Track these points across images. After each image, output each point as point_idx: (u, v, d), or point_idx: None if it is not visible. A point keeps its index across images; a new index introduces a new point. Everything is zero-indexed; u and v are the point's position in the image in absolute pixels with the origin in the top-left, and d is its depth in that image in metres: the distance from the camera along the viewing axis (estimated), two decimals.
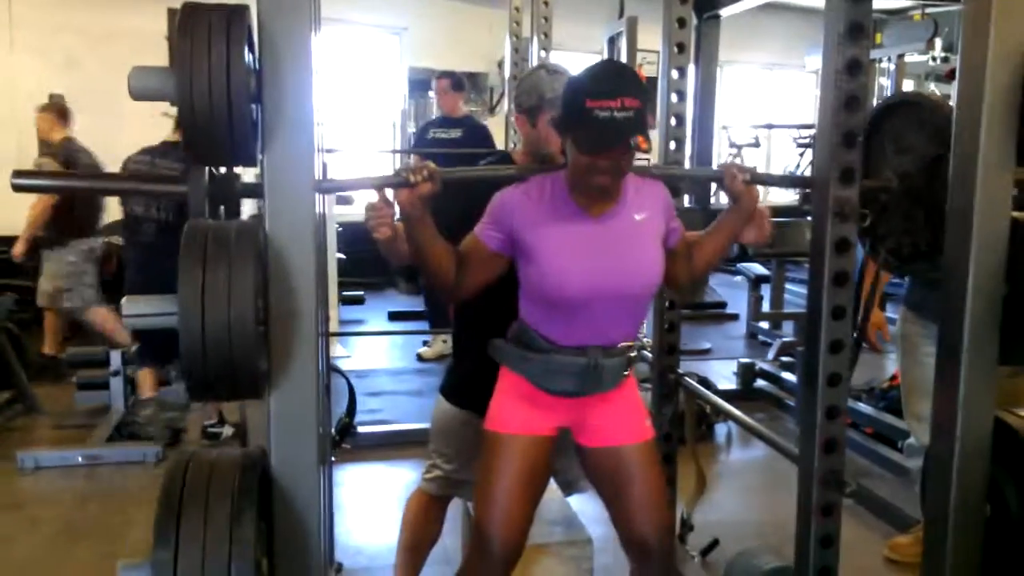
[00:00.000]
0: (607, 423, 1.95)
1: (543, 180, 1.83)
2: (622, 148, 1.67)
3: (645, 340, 5.44)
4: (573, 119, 1.68)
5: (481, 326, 2.03)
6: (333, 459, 2.79)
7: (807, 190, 2.13)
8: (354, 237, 6.32)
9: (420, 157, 1.63)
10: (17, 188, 1.55)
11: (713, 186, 9.01)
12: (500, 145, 5.28)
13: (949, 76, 6.85)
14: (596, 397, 1.92)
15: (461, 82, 5.60)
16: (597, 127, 1.63)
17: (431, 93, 5.81)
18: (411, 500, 2.43)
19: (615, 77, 1.68)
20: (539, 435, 1.91)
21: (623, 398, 1.97)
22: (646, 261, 1.83)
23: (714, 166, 9.32)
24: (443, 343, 5.54)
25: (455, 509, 2.49)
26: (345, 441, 3.61)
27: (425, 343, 5.79)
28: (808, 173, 2.04)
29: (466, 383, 2.20)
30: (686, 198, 3.14)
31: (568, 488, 2.42)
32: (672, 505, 2.87)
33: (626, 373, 1.94)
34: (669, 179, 2.06)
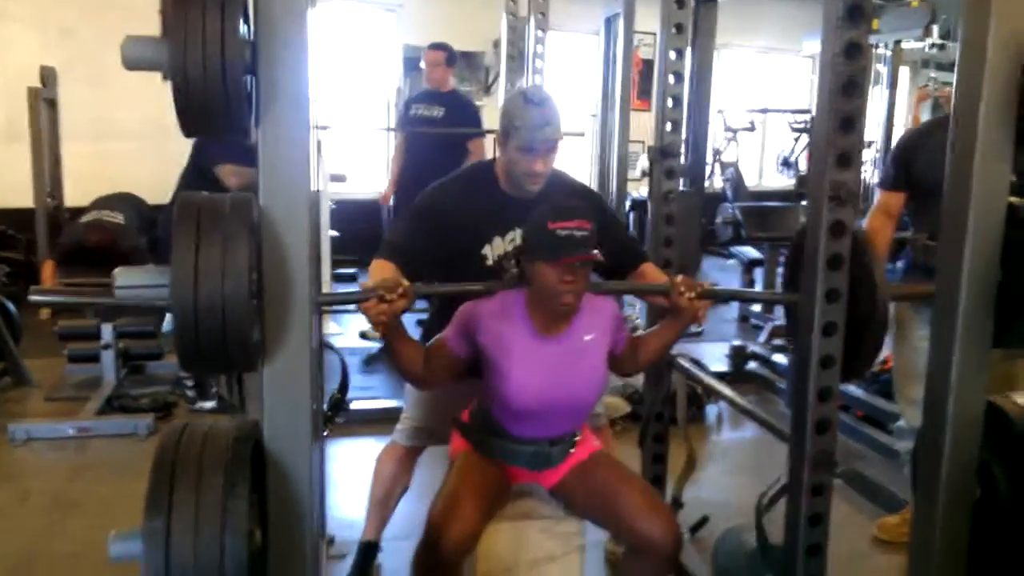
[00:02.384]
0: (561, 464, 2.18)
1: (507, 298, 2.05)
2: (584, 256, 1.90)
3: (638, 323, 5.48)
4: (537, 240, 1.93)
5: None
6: (326, 433, 2.80)
7: (802, 175, 2.14)
8: (348, 215, 6.30)
9: (398, 273, 1.81)
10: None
11: (707, 169, 8.96)
12: (488, 124, 5.24)
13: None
14: (548, 472, 2.17)
15: (454, 56, 5.41)
16: (559, 242, 1.89)
17: (422, 64, 5.37)
18: (382, 453, 2.65)
19: (570, 206, 1.96)
20: (500, 469, 2.15)
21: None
22: (593, 378, 2.10)
23: (709, 150, 9.27)
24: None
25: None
26: (338, 416, 3.62)
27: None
28: (803, 157, 2.05)
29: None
30: (681, 181, 3.13)
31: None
32: (662, 483, 2.89)
33: (572, 451, 2.18)
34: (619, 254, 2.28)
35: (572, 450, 2.18)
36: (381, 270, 2.18)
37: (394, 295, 1.84)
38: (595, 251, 1.92)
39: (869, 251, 1.90)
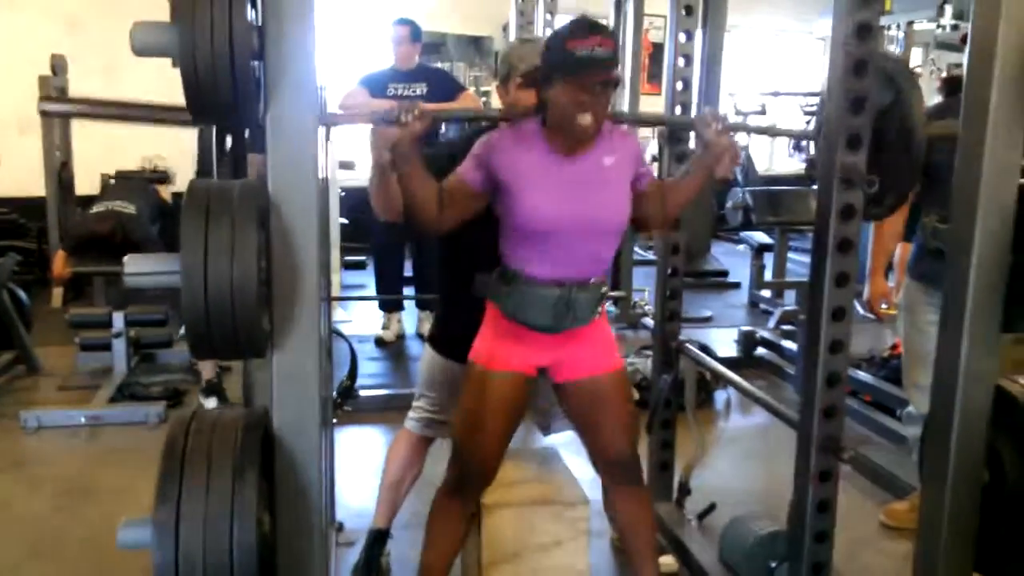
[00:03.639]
0: (581, 358, 2.10)
1: (523, 126, 1.98)
2: (604, 76, 1.83)
3: (648, 308, 5.46)
4: (556, 61, 1.85)
5: (465, 280, 2.19)
6: (335, 421, 2.81)
7: (812, 158, 2.13)
8: (356, 202, 6.30)
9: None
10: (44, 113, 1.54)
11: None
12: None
13: (963, 42, 6.77)
14: (570, 335, 2.05)
15: (419, 32, 5.12)
16: (580, 61, 1.81)
17: (392, 40, 4.98)
18: (395, 440, 2.64)
19: (590, 24, 1.87)
20: (519, 372, 2.07)
21: (595, 334, 2.12)
22: (612, 200, 2.00)
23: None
24: (398, 323, 5.44)
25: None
26: (346, 404, 3.63)
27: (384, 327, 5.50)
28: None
29: (453, 337, 2.32)
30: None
31: (546, 429, 2.60)
32: (671, 469, 2.89)
33: (599, 310, 2.09)
34: (643, 122, 2.16)
35: (599, 308, 2.08)
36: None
37: (409, 116, 1.76)
38: (616, 71, 1.84)
39: (910, 74, 1.92)
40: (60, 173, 6.11)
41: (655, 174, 2.09)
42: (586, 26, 1.84)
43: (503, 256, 2.04)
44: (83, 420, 3.94)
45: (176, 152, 6.62)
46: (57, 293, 5.92)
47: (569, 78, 1.82)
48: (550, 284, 1.98)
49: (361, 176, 5.45)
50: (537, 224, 1.95)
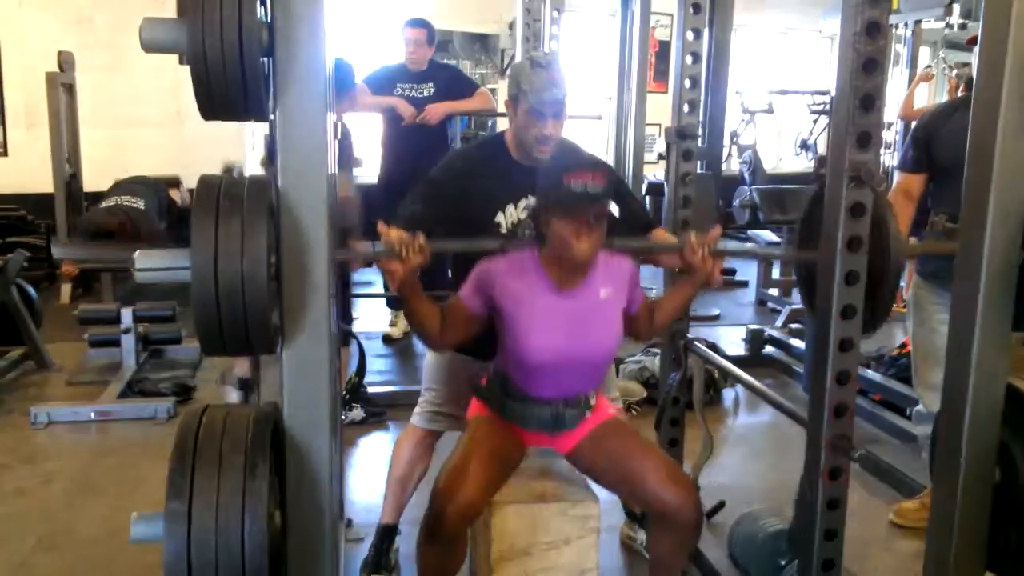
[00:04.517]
0: (578, 428, 2.20)
1: (522, 256, 2.07)
2: (597, 210, 1.92)
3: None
4: (553, 195, 1.93)
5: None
6: (343, 418, 2.82)
7: (821, 156, 2.13)
8: (364, 199, 6.30)
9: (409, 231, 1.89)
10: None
11: (725, 151, 8.89)
12: (501, 107, 5.15)
13: (971, 43, 6.76)
14: (565, 436, 2.19)
15: (434, 35, 4.99)
16: (574, 196, 1.89)
17: (406, 41, 4.83)
18: (401, 436, 2.66)
19: (585, 160, 1.99)
20: (517, 436, 2.19)
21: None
22: (607, 335, 2.11)
23: (727, 132, 9.19)
24: (405, 320, 5.43)
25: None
26: (355, 401, 3.64)
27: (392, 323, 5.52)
28: (822, 139, 2.02)
29: None
30: (699, 164, 3.11)
31: None
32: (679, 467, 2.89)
33: (588, 414, 2.19)
34: (635, 251, 2.33)
35: (588, 414, 2.19)
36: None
37: (410, 251, 1.85)
38: (609, 204, 1.95)
39: (887, 206, 1.90)
40: (69, 170, 6.11)
41: (644, 295, 2.21)
42: (581, 163, 1.95)
43: (501, 365, 2.17)
44: (92, 416, 3.96)
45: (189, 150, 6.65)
46: (66, 289, 5.94)
47: (565, 211, 1.92)
48: (542, 402, 2.13)
49: (368, 174, 5.47)
50: (533, 358, 2.06)
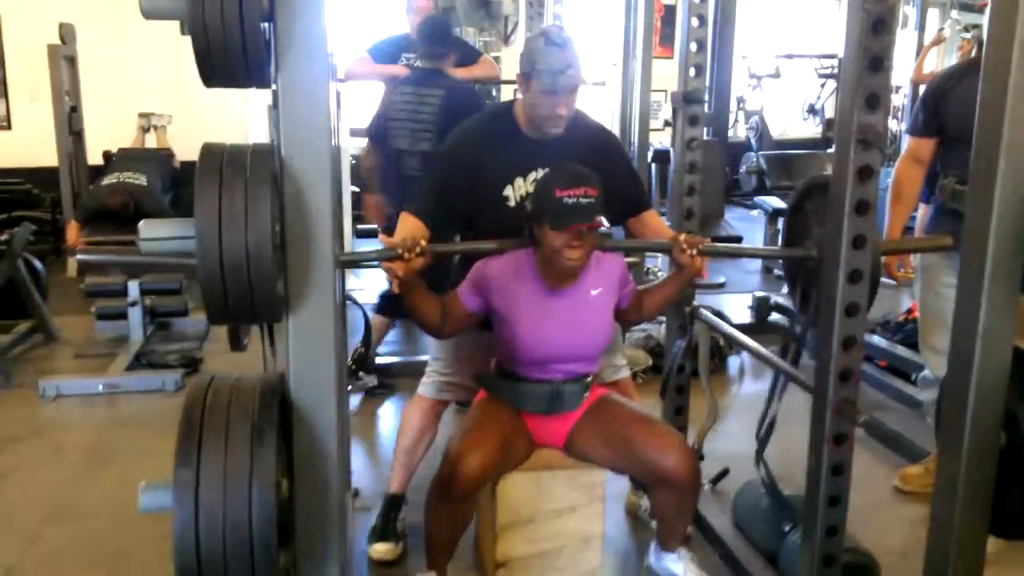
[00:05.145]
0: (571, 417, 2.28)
1: (518, 256, 2.16)
2: (587, 224, 2.00)
3: (661, 274, 5.43)
4: (545, 206, 2.02)
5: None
6: (349, 388, 2.83)
7: (829, 119, 2.11)
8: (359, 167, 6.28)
9: (420, 232, 1.94)
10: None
11: (731, 117, 8.78)
12: (507, 75, 5.07)
13: (982, 6, 6.66)
14: (561, 418, 2.26)
15: (438, 5, 4.85)
16: (566, 210, 1.99)
17: (414, 10, 4.59)
18: (409, 406, 2.68)
19: (578, 173, 2.03)
20: (522, 426, 2.25)
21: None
22: (598, 330, 2.22)
23: (733, 97, 9.07)
24: None
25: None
26: (361, 371, 3.65)
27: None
28: (829, 103, 1.99)
29: None
30: (705, 130, 3.09)
31: None
32: (684, 435, 2.90)
33: (586, 395, 2.28)
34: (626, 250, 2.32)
35: (586, 393, 2.27)
36: (404, 226, 2.30)
37: (412, 254, 1.92)
38: (600, 218, 2.02)
39: None
40: (73, 142, 6.10)
41: (635, 286, 2.30)
42: (575, 175, 2.02)
43: (499, 356, 2.27)
44: (101, 388, 3.98)
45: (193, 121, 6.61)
46: (72, 262, 5.96)
47: (556, 224, 2.00)
48: (542, 383, 2.22)
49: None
50: (528, 355, 2.18)
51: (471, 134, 2.43)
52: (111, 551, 2.67)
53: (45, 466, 3.29)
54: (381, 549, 2.61)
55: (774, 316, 5.06)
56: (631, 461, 2.21)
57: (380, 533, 2.62)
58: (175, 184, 6.27)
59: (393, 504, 2.66)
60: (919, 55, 6.36)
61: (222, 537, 1.30)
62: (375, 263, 1.98)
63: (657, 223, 2.54)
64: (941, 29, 7.12)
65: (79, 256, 4.37)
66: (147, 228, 1.45)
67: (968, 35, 6.82)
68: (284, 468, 1.49)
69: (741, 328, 2.89)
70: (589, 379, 2.29)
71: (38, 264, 4.87)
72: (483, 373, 2.35)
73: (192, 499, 1.30)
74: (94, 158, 6.38)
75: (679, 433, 2.41)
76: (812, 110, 9.33)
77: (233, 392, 1.41)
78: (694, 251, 2.11)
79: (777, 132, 9.33)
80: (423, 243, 1.93)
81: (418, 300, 2.12)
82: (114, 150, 6.53)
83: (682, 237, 2.14)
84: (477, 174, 2.34)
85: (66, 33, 5.96)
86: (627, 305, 2.30)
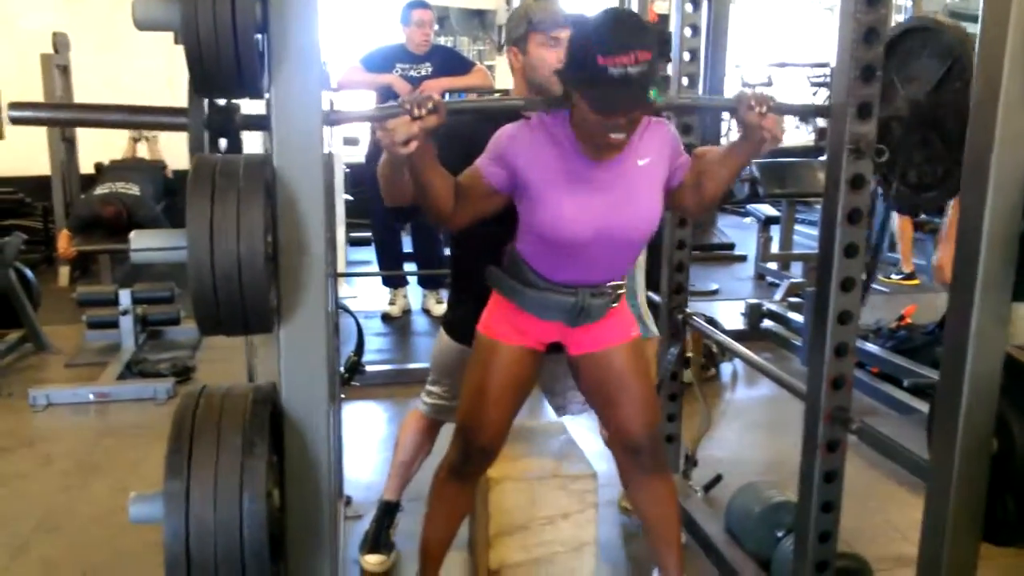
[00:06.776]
0: (595, 332, 2.03)
1: (548, 120, 1.82)
2: (637, 108, 1.67)
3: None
4: (585, 77, 1.63)
5: (478, 269, 2.08)
6: (342, 396, 2.82)
7: (822, 128, 2.11)
8: (362, 179, 6.29)
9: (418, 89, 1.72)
10: (15, 121, 1.54)
11: (724, 125, 8.84)
12: (500, 85, 5.12)
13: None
14: (582, 328, 2.02)
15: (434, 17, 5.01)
16: (612, 86, 1.60)
17: (415, 22, 4.76)
18: (407, 421, 2.61)
19: (626, 30, 1.62)
20: (528, 347, 2.01)
21: (609, 311, 2.03)
22: (644, 209, 1.86)
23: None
24: (404, 298, 5.43)
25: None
26: (353, 379, 3.63)
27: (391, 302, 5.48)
28: None
29: (465, 322, 2.22)
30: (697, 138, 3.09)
31: (561, 410, 2.56)
32: (677, 442, 2.90)
33: (614, 305, 2.01)
34: (679, 110, 2.06)
35: (615, 304, 2.01)
36: None
37: (423, 110, 1.60)
38: (653, 93, 1.64)
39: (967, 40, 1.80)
40: (65, 151, 6.09)
41: (688, 161, 1.93)
42: (622, 33, 1.60)
43: (518, 248, 1.94)
44: (92, 397, 3.96)
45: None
46: (64, 272, 5.94)
47: (595, 100, 1.65)
48: (564, 290, 1.92)
49: (363, 152, 5.44)
50: (559, 234, 1.83)
51: (466, 117, 2.14)
52: (101, 561, 2.66)
53: (35, 475, 3.28)
54: (373, 560, 2.60)
55: (766, 323, 5.08)
56: (606, 413, 2.11)
57: (373, 542, 2.62)
58: (168, 194, 6.26)
59: (388, 511, 2.65)
60: None
61: (213, 548, 1.29)
62: (368, 120, 1.66)
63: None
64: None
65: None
66: (138, 239, 1.45)
67: None
68: (275, 478, 1.49)
69: (733, 335, 2.90)
70: (621, 289, 2.00)
71: (29, 273, 4.86)
72: (495, 271, 2.01)
73: (182, 510, 1.29)
74: (86, 168, 6.36)
75: (656, 405, 2.19)
76: (804, 118, 9.36)
77: (224, 402, 1.40)
78: (763, 108, 1.74)
79: None
80: (436, 97, 1.61)
81: (431, 175, 1.74)
82: (106, 161, 6.52)
83: (748, 92, 1.79)
84: (476, 153, 1.95)
85: (59, 42, 5.96)
86: (683, 181, 1.91)
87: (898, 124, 1.94)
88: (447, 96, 5.08)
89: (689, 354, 2.98)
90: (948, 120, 1.73)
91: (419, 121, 1.61)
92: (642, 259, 2.78)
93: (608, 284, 1.96)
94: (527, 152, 1.80)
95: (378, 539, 2.62)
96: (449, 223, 1.87)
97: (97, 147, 6.52)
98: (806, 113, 4.78)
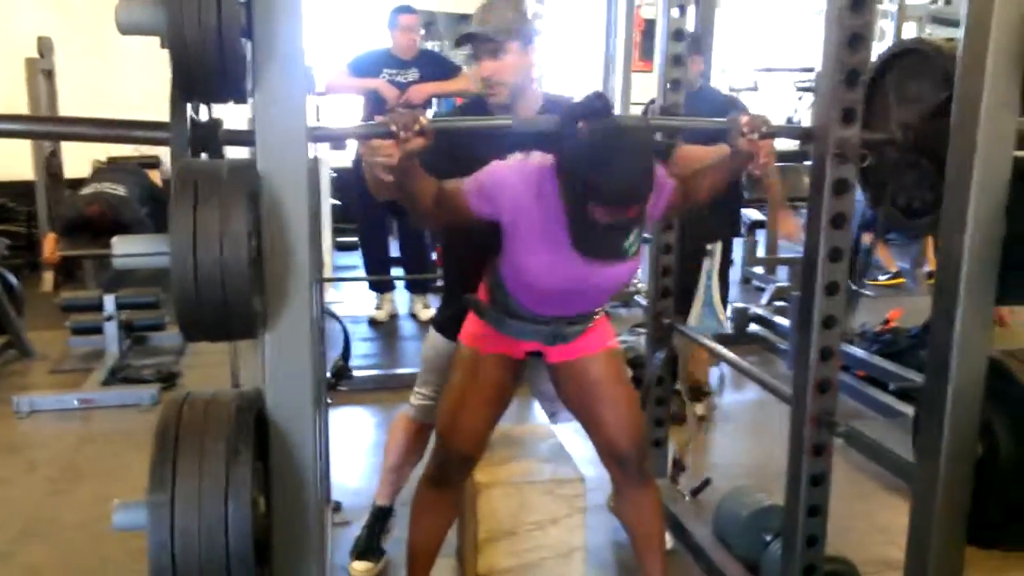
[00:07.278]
0: (572, 343, 2.07)
1: (537, 165, 1.82)
2: (616, 256, 1.77)
3: (640, 286, 5.46)
4: (575, 213, 1.69)
5: (468, 269, 2.13)
6: (329, 401, 2.81)
7: (804, 157, 2.12)
8: (348, 183, 6.27)
9: (408, 105, 1.68)
10: None
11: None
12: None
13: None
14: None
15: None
16: (600, 232, 1.67)
17: (402, 27, 4.77)
18: (396, 425, 2.59)
19: (632, 171, 1.64)
20: (508, 356, 2.06)
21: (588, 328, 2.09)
22: (622, 268, 1.88)
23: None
24: (390, 303, 5.43)
25: None
26: (340, 384, 3.62)
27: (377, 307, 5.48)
28: (807, 116, 2.01)
29: (457, 320, 2.22)
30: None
31: (553, 417, 2.57)
32: (664, 447, 2.90)
33: (590, 325, 2.07)
34: (666, 132, 2.08)
35: (591, 324, 2.06)
36: None
37: (409, 132, 1.61)
38: (626, 245, 1.74)
39: None
40: (49, 157, 6.06)
41: (671, 187, 1.92)
42: (626, 182, 1.63)
43: (500, 275, 1.97)
44: (76, 403, 3.93)
45: None
46: (48, 277, 5.89)
47: (579, 246, 1.72)
48: (541, 319, 1.99)
49: (352, 157, 5.44)
50: (536, 280, 1.88)
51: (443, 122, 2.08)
52: (86, 568, 2.64)
53: (19, 482, 3.25)
54: (360, 567, 2.58)
55: (753, 327, 5.10)
56: (590, 424, 2.13)
57: (363, 548, 2.60)
58: (153, 197, 6.22)
59: (380, 516, 2.63)
60: None
61: (198, 556, 1.28)
62: (352, 138, 1.67)
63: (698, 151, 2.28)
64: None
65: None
66: (121, 244, 1.43)
67: None
68: (261, 485, 1.48)
69: (720, 339, 2.90)
70: (597, 315, 2.07)
71: (13, 279, 4.82)
72: (473, 298, 2.07)
73: (167, 518, 1.28)
74: (71, 172, 6.32)
75: (642, 426, 2.22)
76: (790, 123, 9.40)
77: (208, 409, 1.39)
78: (755, 135, 1.78)
79: None
80: (422, 119, 1.60)
81: (417, 183, 1.75)
82: (104, 160, 6.49)
83: (743, 119, 1.80)
84: (458, 155, 1.97)
85: (44, 47, 5.92)
86: (665, 211, 1.94)
87: (891, 148, 1.95)
88: (434, 102, 5.10)
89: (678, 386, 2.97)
90: (942, 147, 1.74)
91: (405, 144, 1.62)
92: (713, 265, 2.78)
93: (586, 313, 2.04)
94: (513, 201, 1.82)
95: (369, 545, 2.60)
96: (427, 221, 1.91)
97: (96, 147, 6.47)
98: (802, 138, 4.82)
